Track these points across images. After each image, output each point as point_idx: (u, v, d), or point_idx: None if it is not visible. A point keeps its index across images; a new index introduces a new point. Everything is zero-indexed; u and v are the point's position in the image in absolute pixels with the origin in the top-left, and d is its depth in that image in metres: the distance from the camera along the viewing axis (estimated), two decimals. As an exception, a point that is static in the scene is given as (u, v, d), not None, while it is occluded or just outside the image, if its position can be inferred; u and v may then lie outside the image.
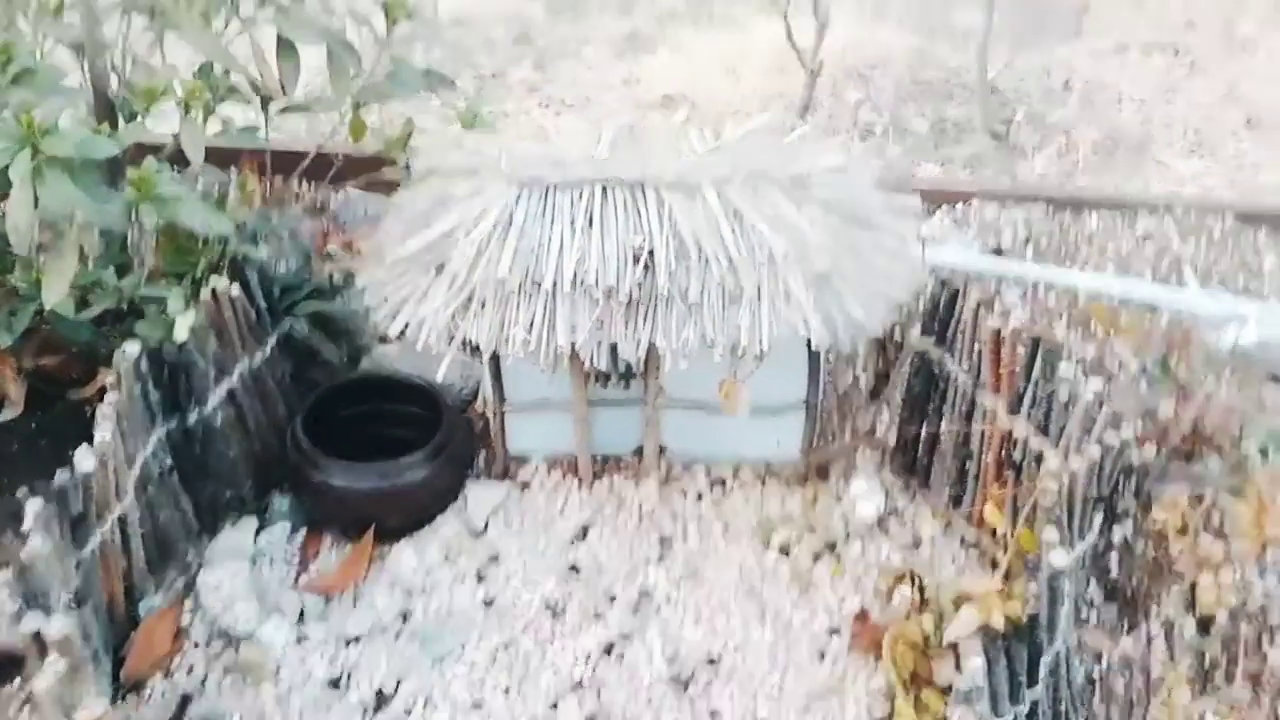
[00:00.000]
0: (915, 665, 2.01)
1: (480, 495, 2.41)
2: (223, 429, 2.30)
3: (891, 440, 2.50)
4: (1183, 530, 2.05)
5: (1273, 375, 2.51)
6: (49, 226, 2.23)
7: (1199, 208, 3.12)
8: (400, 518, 2.37)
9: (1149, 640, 2.08)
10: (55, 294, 2.23)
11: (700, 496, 2.43)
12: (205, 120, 2.50)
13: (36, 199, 2.10)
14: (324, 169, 3.06)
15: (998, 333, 2.10)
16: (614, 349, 2.19)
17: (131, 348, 2.14)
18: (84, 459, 1.96)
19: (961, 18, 4.65)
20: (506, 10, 5.20)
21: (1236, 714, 1.96)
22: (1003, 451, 2.16)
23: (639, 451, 2.47)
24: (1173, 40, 4.69)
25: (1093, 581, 2.14)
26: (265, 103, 2.70)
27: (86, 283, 2.38)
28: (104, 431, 2.00)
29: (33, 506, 1.87)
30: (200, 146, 2.42)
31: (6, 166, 2.08)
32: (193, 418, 2.26)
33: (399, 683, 2.13)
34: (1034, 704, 1.78)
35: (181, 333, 2.18)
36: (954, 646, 1.96)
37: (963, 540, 2.31)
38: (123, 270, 2.41)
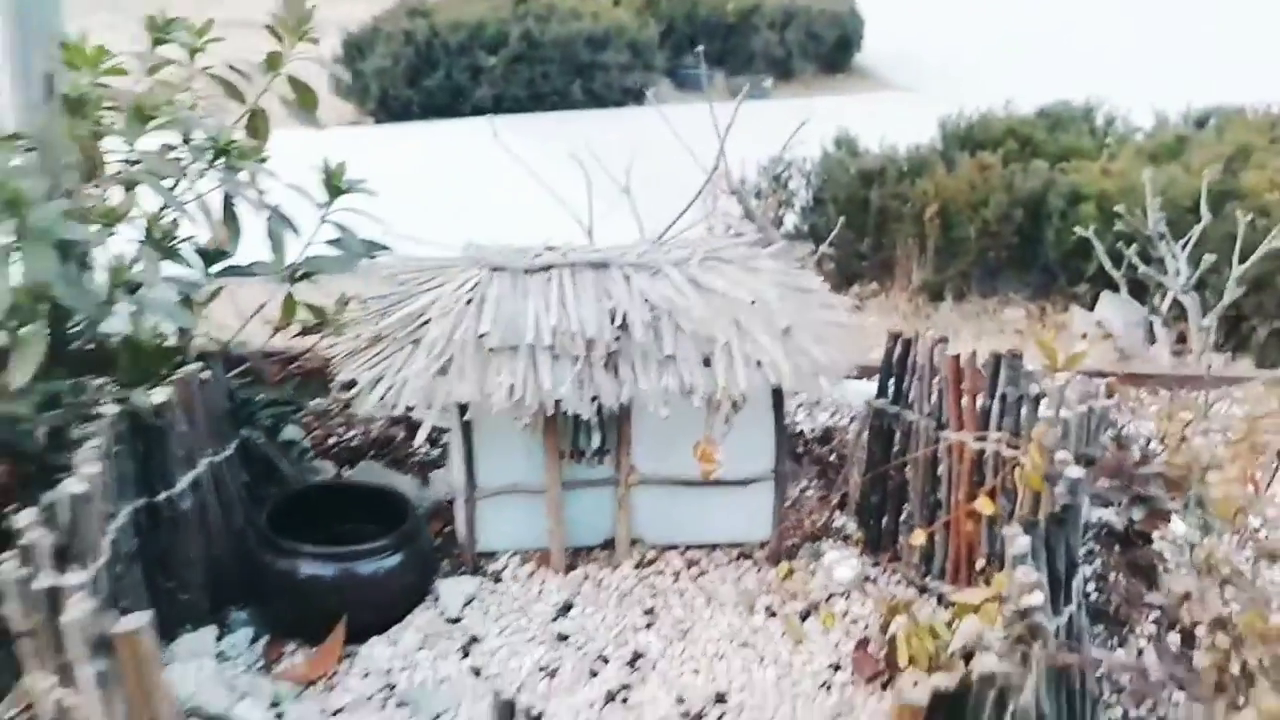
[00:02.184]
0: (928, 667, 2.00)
1: (452, 589, 2.35)
2: (187, 519, 2.22)
3: (852, 530, 2.55)
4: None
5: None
6: (17, 311, 2.21)
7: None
8: (368, 613, 2.27)
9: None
10: (22, 375, 2.18)
11: (678, 576, 2.41)
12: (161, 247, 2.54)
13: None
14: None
15: (957, 359, 2.24)
16: (596, 403, 2.25)
17: (110, 408, 2.09)
18: (72, 485, 1.87)
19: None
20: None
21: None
22: (973, 484, 2.24)
23: (609, 544, 2.46)
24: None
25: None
26: (208, 259, 2.75)
27: (45, 393, 2.33)
28: (90, 467, 1.93)
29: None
30: (157, 268, 2.45)
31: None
32: (161, 498, 2.18)
33: (393, 742, 2.00)
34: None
35: (158, 396, 2.15)
36: (964, 655, 1.97)
37: (941, 598, 2.34)
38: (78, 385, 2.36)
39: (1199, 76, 8.72)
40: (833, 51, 11.51)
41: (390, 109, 9.76)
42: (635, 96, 10.30)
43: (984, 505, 2.10)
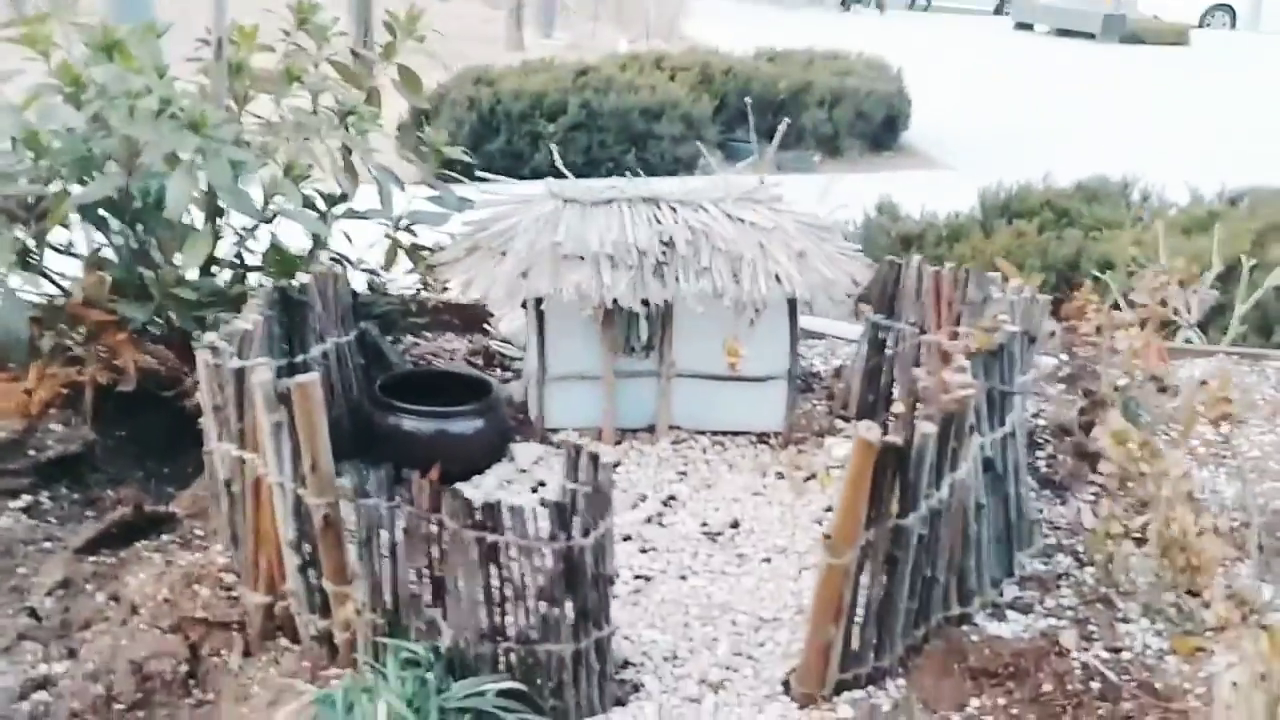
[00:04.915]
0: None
1: (524, 451, 2.91)
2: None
3: (850, 430, 3.08)
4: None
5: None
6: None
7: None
8: (457, 464, 2.82)
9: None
10: (193, 261, 2.79)
11: (705, 450, 2.96)
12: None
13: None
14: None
15: (938, 273, 2.80)
16: (645, 303, 2.82)
17: (268, 284, 2.69)
18: (242, 322, 2.46)
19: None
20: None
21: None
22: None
23: (651, 428, 3.01)
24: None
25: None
26: (331, 202, 3.34)
27: (206, 288, 2.93)
28: (254, 314, 2.51)
29: (209, 338, 2.36)
30: (298, 192, 3.05)
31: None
32: (298, 360, 2.75)
33: (477, 541, 2.54)
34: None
35: (302, 278, 2.74)
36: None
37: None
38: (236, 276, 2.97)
39: (1238, 158, 9.10)
40: (880, 130, 11.97)
41: (452, 170, 10.30)
42: (687, 166, 10.86)
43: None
